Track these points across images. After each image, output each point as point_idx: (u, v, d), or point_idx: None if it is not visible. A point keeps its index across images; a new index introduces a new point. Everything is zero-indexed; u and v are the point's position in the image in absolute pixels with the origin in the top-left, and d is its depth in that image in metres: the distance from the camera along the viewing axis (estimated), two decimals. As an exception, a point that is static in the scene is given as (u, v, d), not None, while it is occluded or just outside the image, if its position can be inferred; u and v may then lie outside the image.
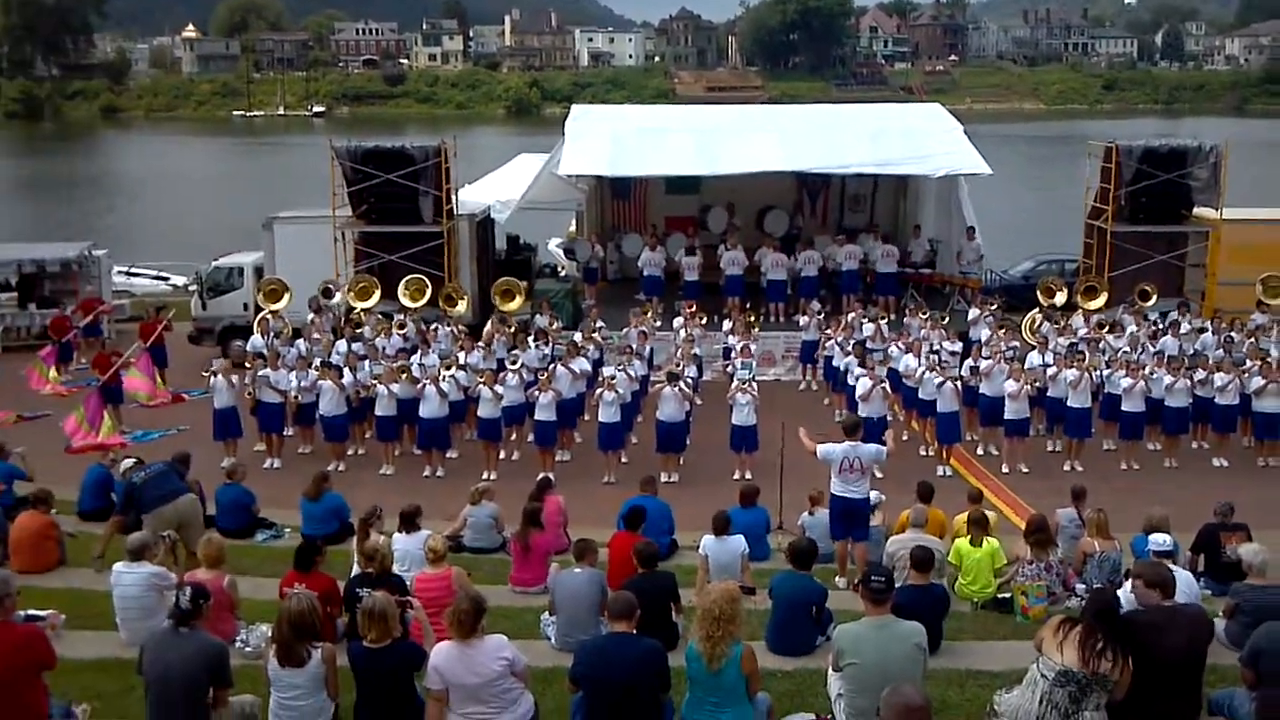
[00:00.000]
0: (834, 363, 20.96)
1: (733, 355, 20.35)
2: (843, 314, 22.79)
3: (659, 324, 22.39)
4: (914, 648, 7.63)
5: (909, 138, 25.81)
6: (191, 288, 27.93)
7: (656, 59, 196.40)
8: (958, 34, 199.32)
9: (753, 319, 22.24)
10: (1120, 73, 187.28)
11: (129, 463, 13.85)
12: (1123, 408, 18.44)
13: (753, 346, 20.59)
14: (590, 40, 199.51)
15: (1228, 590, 10.08)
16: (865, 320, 21.62)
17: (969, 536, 11.90)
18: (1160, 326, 21.21)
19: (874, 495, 13.09)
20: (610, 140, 25.72)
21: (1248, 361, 19.02)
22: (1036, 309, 22.56)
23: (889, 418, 18.23)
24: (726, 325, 22.10)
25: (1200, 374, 18.63)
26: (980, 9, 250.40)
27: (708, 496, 14.76)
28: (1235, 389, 18.47)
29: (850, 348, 19.97)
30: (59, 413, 20.39)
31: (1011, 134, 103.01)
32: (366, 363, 19.45)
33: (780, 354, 23.97)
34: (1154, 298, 22.54)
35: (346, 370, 18.87)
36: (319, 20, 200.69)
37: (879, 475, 13.50)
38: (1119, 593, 10.06)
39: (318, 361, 19.39)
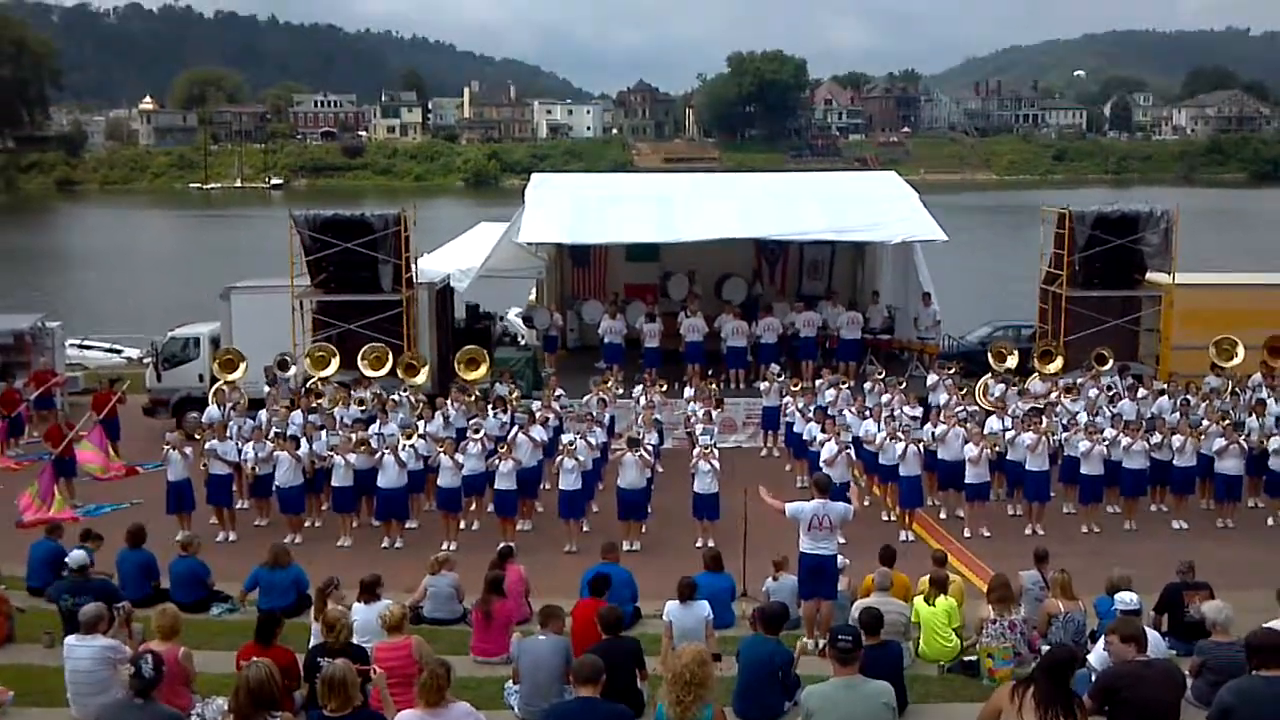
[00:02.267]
0: (795, 429, 20.97)
1: (694, 421, 20.34)
2: (802, 379, 22.82)
3: (620, 392, 22.34)
4: (882, 707, 7.62)
5: (866, 205, 26.10)
6: (146, 360, 27.64)
7: (614, 130, 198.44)
8: (910, 106, 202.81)
9: (714, 385, 22.25)
10: (1070, 143, 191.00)
11: (79, 556, 13.28)
12: (1081, 471, 18.55)
13: (714, 413, 20.60)
14: (549, 112, 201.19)
15: (1192, 649, 10.08)
16: (827, 386, 21.67)
17: (925, 594, 11.94)
18: (1117, 390, 21.38)
19: (840, 559, 13.08)
20: (570, 208, 25.86)
21: (1204, 423, 19.18)
22: (989, 374, 22.60)
23: (850, 483, 18.22)
24: (688, 392, 22.08)
25: (1157, 437, 18.78)
26: (932, 82, 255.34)
27: (670, 565, 14.63)
28: (1192, 450, 18.64)
29: (812, 413, 20.01)
30: (10, 487, 20.08)
31: (965, 204, 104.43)
32: (324, 433, 19.26)
33: (741, 420, 23.94)
34: (1111, 362, 22.70)
35: (303, 440, 18.69)
36: (277, 92, 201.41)
37: (842, 540, 13.47)
38: (1089, 656, 10.11)
39: (274, 432, 19.20)
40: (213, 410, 20.83)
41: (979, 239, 74.79)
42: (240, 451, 18.76)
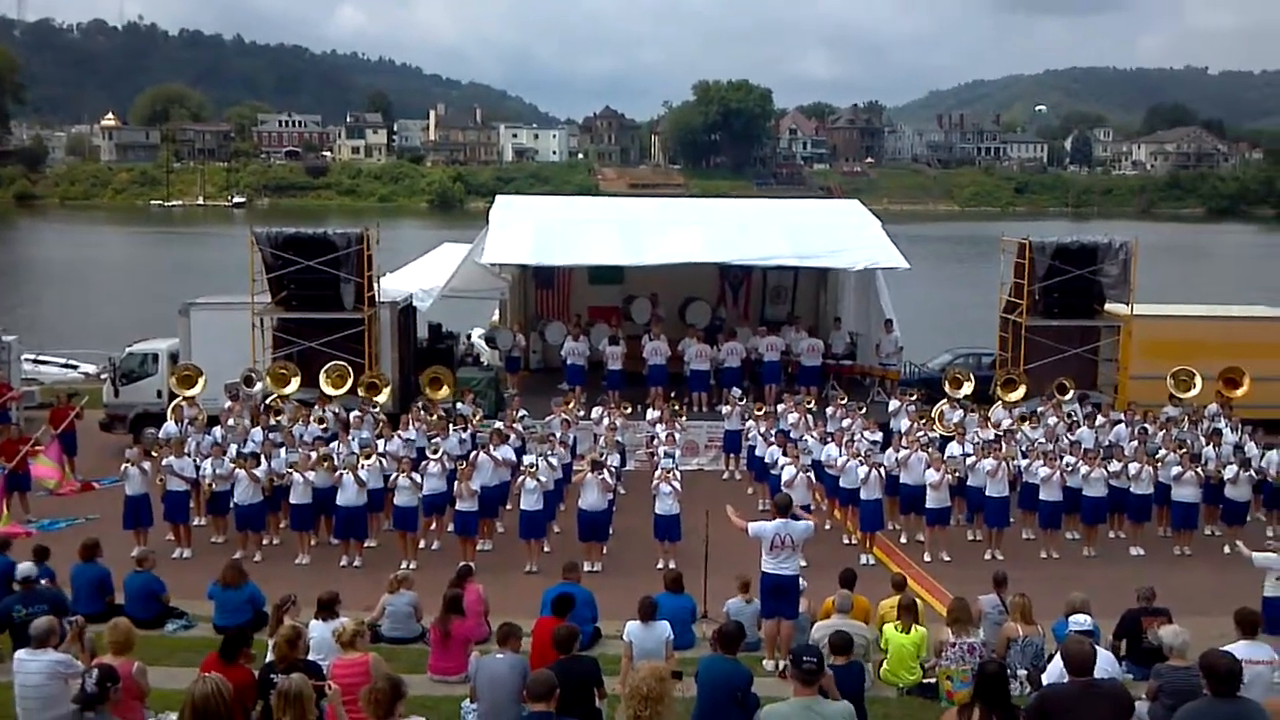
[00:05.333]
0: (757, 452, 20.99)
1: (656, 443, 20.32)
2: (764, 403, 22.85)
3: (582, 413, 22.27)
4: (843, 729, 7.56)
5: (829, 232, 26.27)
6: (104, 375, 27.36)
7: (580, 155, 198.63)
8: (874, 137, 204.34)
9: (677, 408, 22.24)
10: (1031, 176, 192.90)
11: (27, 567, 13.16)
12: (1041, 497, 18.68)
13: (676, 435, 20.59)
14: (514, 136, 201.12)
15: (1149, 673, 10.12)
16: (789, 410, 21.70)
17: (898, 623, 11.93)
18: (1076, 419, 21.54)
19: (800, 581, 13.09)
20: (534, 229, 25.83)
21: (1162, 452, 19.36)
22: (945, 400, 22.64)
23: (811, 506, 18.23)
24: (651, 414, 22.06)
25: (1115, 465, 18.94)
26: (895, 113, 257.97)
27: (631, 585, 14.55)
28: (1149, 478, 18.83)
29: (774, 437, 20.04)
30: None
31: (927, 234, 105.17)
32: (283, 450, 19.10)
33: (703, 443, 23.96)
34: (1071, 391, 22.85)
35: (263, 458, 18.53)
36: (241, 111, 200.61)
37: (803, 563, 13.47)
38: (1042, 676, 10.14)
39: (233, 450, 19.03)
40: (170, 426, 20.66)
41: (941, 268, 75.31)
42: (198, 468, 18.61)
